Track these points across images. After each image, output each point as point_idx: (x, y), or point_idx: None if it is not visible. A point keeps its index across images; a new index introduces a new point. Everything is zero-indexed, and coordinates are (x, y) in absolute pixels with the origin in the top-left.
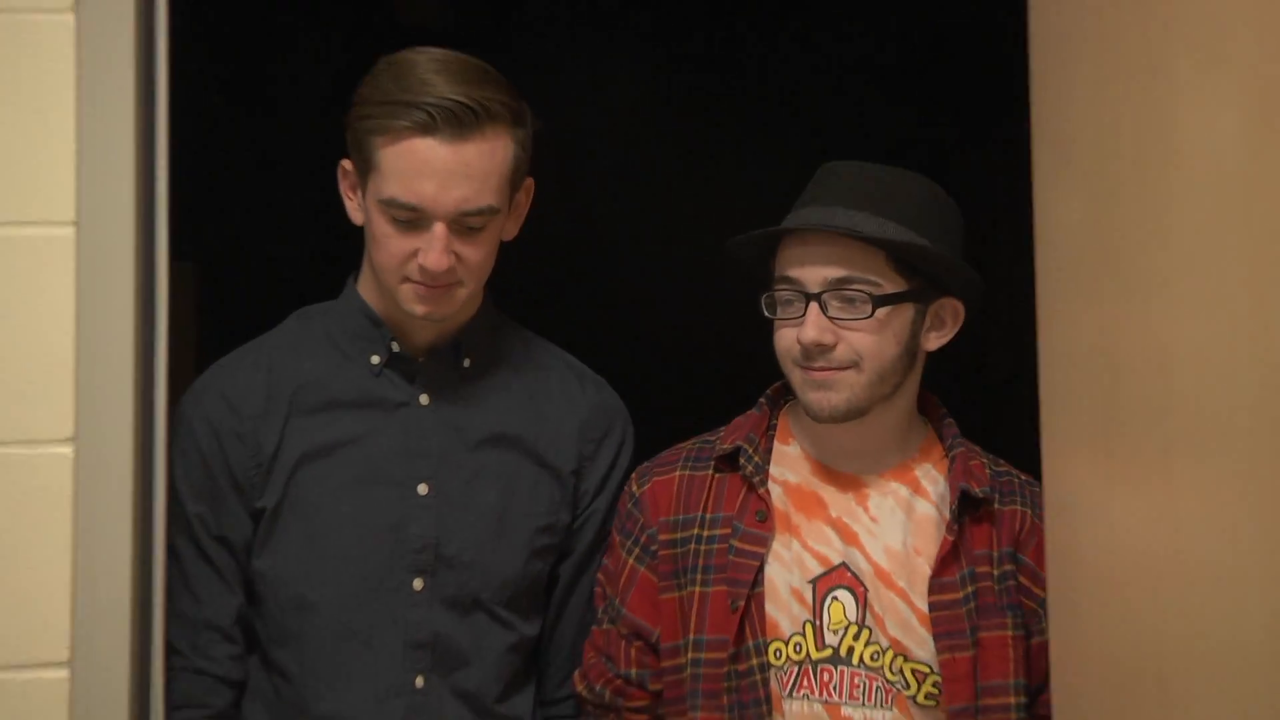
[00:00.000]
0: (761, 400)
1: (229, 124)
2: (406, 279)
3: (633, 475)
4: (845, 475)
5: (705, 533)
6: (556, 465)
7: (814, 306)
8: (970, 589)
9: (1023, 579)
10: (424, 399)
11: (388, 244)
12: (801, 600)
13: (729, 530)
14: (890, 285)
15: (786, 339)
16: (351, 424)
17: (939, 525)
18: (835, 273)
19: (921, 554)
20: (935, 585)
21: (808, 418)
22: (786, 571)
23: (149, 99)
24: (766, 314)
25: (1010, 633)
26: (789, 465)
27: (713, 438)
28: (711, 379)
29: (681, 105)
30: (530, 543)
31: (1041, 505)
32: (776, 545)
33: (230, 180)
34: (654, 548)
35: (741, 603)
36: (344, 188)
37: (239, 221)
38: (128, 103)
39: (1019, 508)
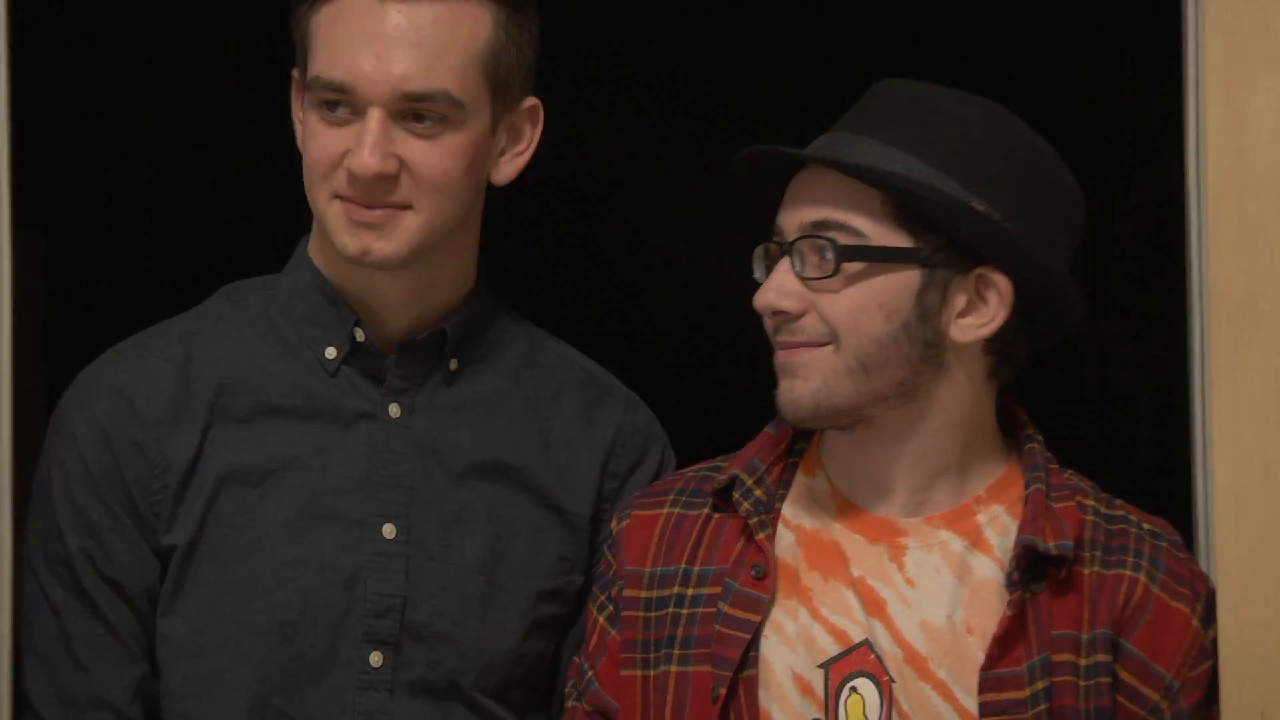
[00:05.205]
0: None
1: (87, 73)
2: (336, 195)
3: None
4: (875, 519)
5: (690, 592)
6: (568, 508)
7: (784, 261)
8: (1042, 685)
9: (1124, 674)
10: (394, 409)
11: (312, 146)
12: (808, 691)
13: (719, 590)
14: (881, 238)
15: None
16: (294, 439)
17: (1003, 594)
18: (812, 215)
19: (975, 633)
20: (990, 680)
21: (835, 439)
22: (789, 650)
23: None
24: (757, 278)
25: None
26: (808, 505)
27: (724, 462)
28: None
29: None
30: (530, 613)
31: (1167, 567)
32: (777, 613)
33: (86, 139)
34: (620, 604)
35: (723, 690)
36: (295, 109)
37: (95, 187)
38: None
39: (1128, 573)
